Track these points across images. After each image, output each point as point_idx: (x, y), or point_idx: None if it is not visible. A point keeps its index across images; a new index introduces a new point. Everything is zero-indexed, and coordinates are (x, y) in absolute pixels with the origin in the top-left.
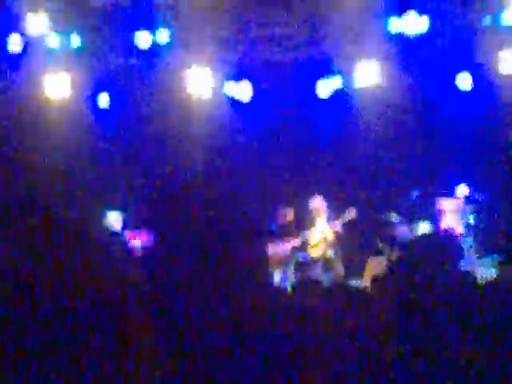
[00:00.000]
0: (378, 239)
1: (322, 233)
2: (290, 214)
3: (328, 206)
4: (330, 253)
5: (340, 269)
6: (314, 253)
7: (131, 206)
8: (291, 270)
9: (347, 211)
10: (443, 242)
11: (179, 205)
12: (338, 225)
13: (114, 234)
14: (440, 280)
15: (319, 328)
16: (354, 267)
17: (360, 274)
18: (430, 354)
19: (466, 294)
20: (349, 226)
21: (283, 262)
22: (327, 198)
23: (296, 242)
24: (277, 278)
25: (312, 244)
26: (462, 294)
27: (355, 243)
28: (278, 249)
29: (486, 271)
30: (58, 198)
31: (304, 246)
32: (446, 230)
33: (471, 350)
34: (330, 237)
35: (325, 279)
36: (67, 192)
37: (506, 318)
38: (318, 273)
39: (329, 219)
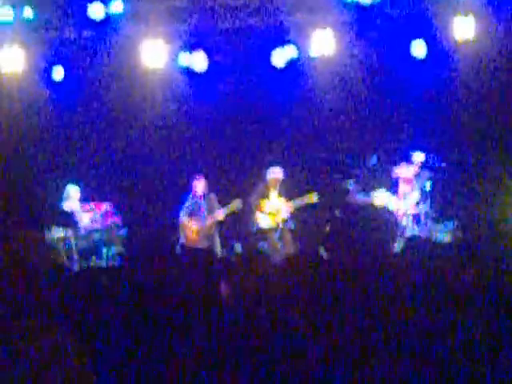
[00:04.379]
0: (337, 208)
1: (277, 207)
2: (202, 185)
3: (284, 178)
4: (282, 225)
5: (290, 241)
6: (264, 223)
7: (89, 179)
8: (217, 242)
9: (307, 195)
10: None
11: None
12: (294, 206)
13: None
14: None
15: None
16: (313, 237)
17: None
18: (382, 321)
19: (419, 260)
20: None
21: (207, 236)
22: (284, 166)
23: (219, 216)
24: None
25: (264, 213)
26: (414, 260)
27: (313, 213)
28: (199, 224)
29: (442, 237)
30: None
31: (251, 217)
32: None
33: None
34: (284, 215)
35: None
36: (24, 167)
37: (462, 285)
38: (270, 243)
39: (286, 193)
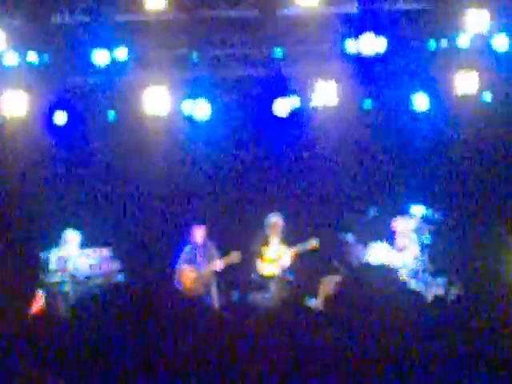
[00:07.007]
0: (335, 259)
1: (278, 254)
2: (201, 233)
3: (284, 224)
4: (280, 274)
5: (286, 291)
6: (264, 271)
7: (89, 225)
8: (214, 291)
9: (308, 241)
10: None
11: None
12: (295, 251)
13: None
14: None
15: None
16: (309, 287)
17: (315, 294)
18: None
19: (415, 315)
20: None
21: (205, 285)
22: (284, 215)
23: (217, 266)
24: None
25: (265, 261)
26: (410, 314)
27: (311, 263)
28: (197, 272)
29: (439, 291)
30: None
31: (252, 264)
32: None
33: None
34: (287, 262)
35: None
36: (23, 210)
37: (454, 341)
38: (271, 293)
39: (286, 240)
